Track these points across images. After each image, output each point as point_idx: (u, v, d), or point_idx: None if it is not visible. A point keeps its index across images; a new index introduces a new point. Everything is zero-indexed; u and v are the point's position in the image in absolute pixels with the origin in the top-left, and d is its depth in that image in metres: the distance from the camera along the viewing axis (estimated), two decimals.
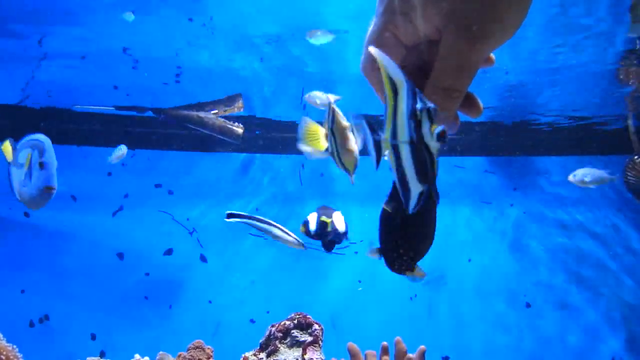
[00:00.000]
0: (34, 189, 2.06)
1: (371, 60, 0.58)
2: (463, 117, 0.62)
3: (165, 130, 4.54)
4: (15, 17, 3.16)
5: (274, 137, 4.77)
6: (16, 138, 4.40)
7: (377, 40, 0.57)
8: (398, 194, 0.79)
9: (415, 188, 0.64)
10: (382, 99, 0.60)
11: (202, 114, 3.95)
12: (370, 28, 0.57)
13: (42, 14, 3.10)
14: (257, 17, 3.16)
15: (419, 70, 0.59)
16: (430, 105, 0.56)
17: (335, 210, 2.02)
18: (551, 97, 4.67)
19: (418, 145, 0.60)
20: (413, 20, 0.53)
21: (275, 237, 2.12)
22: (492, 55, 0.59)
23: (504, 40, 0.51)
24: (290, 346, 2.05)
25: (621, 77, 4.10)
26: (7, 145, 2.25)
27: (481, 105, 0.60)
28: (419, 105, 0.55)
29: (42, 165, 2.06)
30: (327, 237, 2.09)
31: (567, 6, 3.06)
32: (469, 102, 0.60)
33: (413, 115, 0.57)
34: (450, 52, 0.52)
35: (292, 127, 4.80)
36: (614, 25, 3.27)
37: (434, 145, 0.60)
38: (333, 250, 2.03)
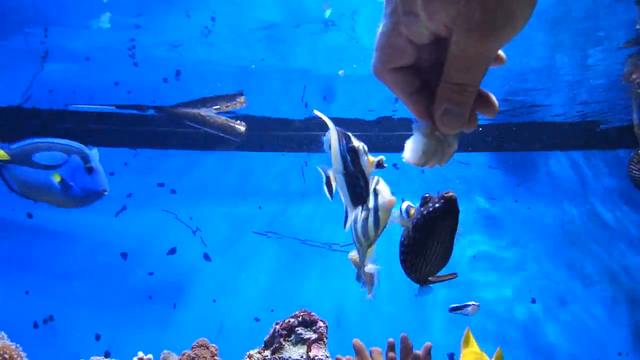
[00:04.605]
0: (81, 191, 2.21)
1: (383, 61, 0.58)
2: None
3: (167, 129, 4.53)
4: (16, 17, 3.15)
5: (277, 135, 4.76)
6: (18, 138, 4.40)
7: (387, 42, 0.56)
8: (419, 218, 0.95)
9: (350, 210, 1.03)
10: (401, 97, 0.61)
11: (203, 112, 3.94)
12: (379, 30, 0.56)
13: (44, 14, 3.10)
14: (259, 13, 3.15)
15: (432, 68, 0.58)
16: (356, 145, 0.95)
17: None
18: (556, 93, 4.65)
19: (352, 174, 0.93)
20: (420, 19, 0.52)
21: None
22: (504, 55, 0.59)
23: (514, 34, 0.51)
24: (295, 343, 2.04)
25: (626, 70, 4.08)
26: None
27: (497, 104, 0.60)
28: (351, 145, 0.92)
29: (90, 170, 2.20)
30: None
31: (572, 3, 3.04)
32: (485, 101, 0.60)
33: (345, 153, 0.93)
34: (462, 48, 0.51)
35: (294, 125, 4.79)
36: (620, 21, 3.26)
37: (368, 171, 0.93)
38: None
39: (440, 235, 0.97)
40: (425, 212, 0.95)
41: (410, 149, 0.61)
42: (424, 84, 0.60)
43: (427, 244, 0.97)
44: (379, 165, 0.99)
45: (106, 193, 2.29)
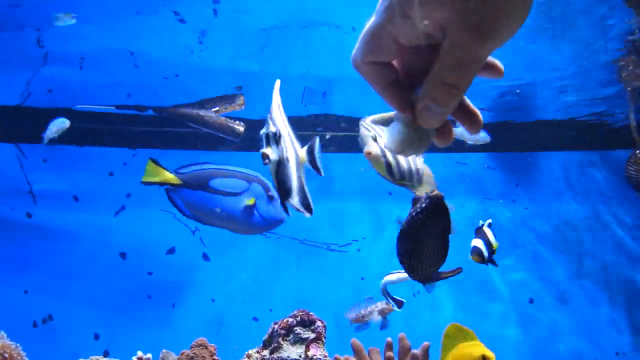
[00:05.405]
0: (263, 219, 2.28)
1: (363, 54, 0.58)
2: None
3: (167, 129, 4.53)
4: (15, 16, 3.16)
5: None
6: (17, 138, 4.39)
7: (371, 37, 0.56)
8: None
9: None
10: (376, 89, 0.61)
11: (202, 112, 3.95)
12: (368, 24, 0.57)
13: (42, 13, 3.10)
14: (259, 12, 3.16)
15: (418, 71, 0.58)
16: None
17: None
18: (554, 93, 4.66)
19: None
20: (413, 20, 0.52)
21: None
22: (501, 66, 0.59)
23: (509, 36, 0.51)
24: (293, 343, 2.06)
25: (622, 71, 4.09)
26: (157, 167, 2.33)
27: (481, 122, 0.60)
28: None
29: (271, 199, 2.26)
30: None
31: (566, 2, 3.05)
32: (470, 116, 0.60)
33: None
34: (453, 48, 0.51)
35: (292, 125, 4.79)
36: (613, 18, 3.27)
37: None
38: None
39: (431, 235, 0.97)
40: (414, 214, 0.95)
41: (389, 136, 0.61)
42: (403, 76, 0.60)
43: (419, 246, 0.97)
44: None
45: (283, 222, 2.33)
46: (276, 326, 2.13)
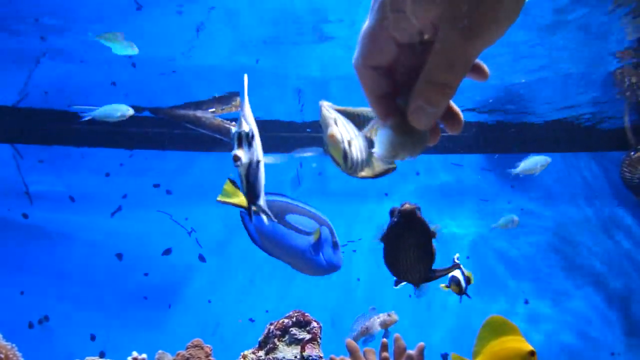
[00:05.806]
0: (325, 262, 2.29)
1: (364, 56, 0.58)
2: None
3: (163, 130, 4.53)
4: (12, 16, 3.15)
5: (272, 136, 4.78)
6: (15, 140, 4.37)
7: (370, 38, 0.56)
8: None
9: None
10: (369, 97, 0.61)
11: (199, 113, 3.95)
12: (365, 25, 0.57)
13: (41, 13, 3.10)
14: (257, 14, 3.17)
15: (412, 69, 0.58)
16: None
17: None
18: (547, 94, 4.68)
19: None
20: (407, 18, 0.52)
21: None
22: (487, 70, 0.59)
23: (499, 35, 0.51)
24: (289, 344, 2.06)
25: (618, 73, 4.11)
26: (235, 189, 2.32)
27: (462, 123, 0.60)
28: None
29: (335, 245, 2.27)
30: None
31: (562, 3, 3.06)
32: (452, 116, 0.60)
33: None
34: (444, 47, 0.51)
35: (289, 127, 4.80)
36: (610, 20, 3.28)
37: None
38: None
39: (409, 246, 0.97)
40: (387, 227, 0.96)
41: (380, 142, 0.61)
42: (393, 86, 0.60)
43: (399, 256, 0.97)
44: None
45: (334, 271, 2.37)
46: (272, 327, 2.14)
